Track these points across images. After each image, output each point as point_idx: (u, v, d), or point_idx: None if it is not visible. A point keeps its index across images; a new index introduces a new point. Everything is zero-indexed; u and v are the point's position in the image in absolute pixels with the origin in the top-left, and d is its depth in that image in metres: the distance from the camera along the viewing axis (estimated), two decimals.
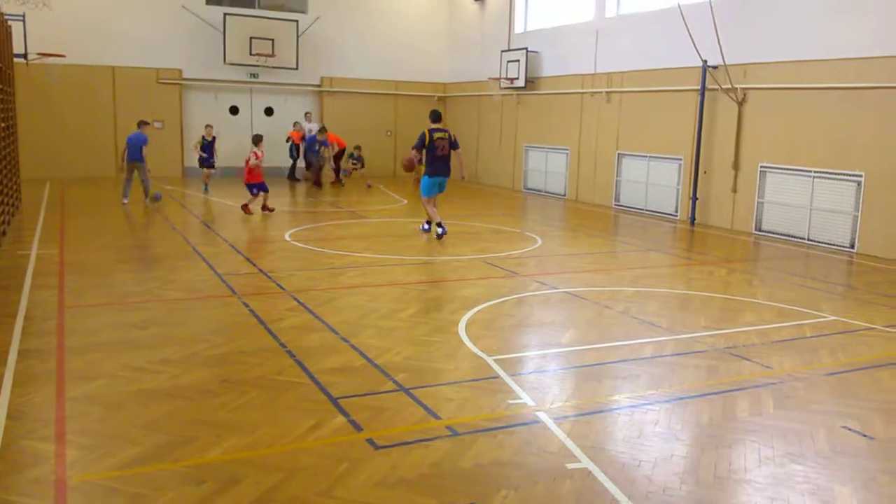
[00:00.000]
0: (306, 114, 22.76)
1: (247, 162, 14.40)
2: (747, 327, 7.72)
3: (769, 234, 14.28)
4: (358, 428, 4.91)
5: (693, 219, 15.82)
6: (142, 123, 16.30)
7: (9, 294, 8.17)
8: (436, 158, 12.57)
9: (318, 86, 24.08)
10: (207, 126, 19.16)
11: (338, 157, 21.78)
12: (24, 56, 16.91)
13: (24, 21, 16.31)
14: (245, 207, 14.53)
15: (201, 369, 5.99)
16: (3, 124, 12.23)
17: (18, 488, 4.02)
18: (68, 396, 5.33)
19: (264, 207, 14.84)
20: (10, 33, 14.70)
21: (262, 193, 14.65)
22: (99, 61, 20.95)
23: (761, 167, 14.49)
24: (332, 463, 4.39)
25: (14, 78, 15.17)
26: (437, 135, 12.54)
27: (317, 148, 20.94)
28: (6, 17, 14.18)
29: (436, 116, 13.02)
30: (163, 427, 4.85)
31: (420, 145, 12.51)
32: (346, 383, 5.74)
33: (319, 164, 21.06)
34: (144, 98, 21.51)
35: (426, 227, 13.14)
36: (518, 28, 22.15)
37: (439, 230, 12.55)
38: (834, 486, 4.33)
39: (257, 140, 14.81)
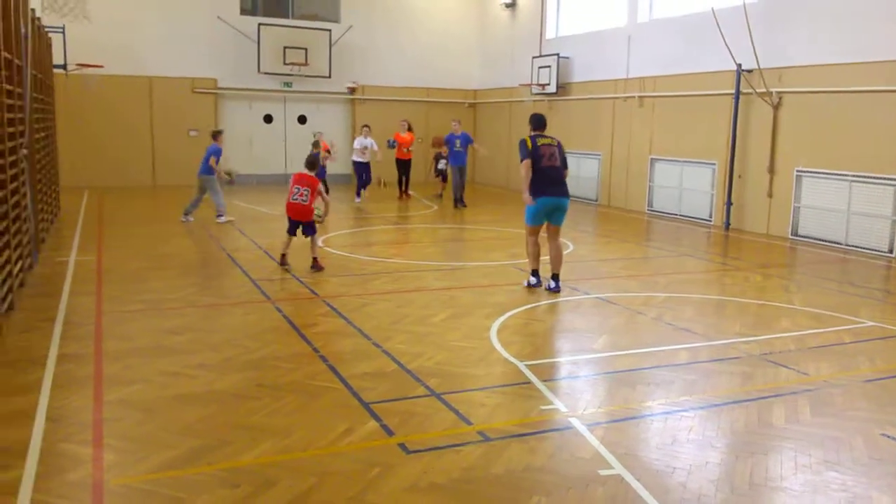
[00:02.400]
0: (363, 127, 19.94)
1: (315, 190, 10.35)
2: (783, 333, 7.61)
3: (806, 239, 14.07)
4: (390, 433, 4.93)
5: (728, 224, 15.65)
6: (215, 134, 14.96)
7: (48, 300, 8.34)
8: (542, 170, 8.98)
9: (351, 93, 24.25)
10: (317, 135, 17.14)
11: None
12: (64, 67, 17.29)
13: (63, 33, 16.67)
14: (317, 262, 10.40)
15: (236, 374, 6.06)
16: (42, 134, 12.48)
17: (57, 491, 4.10)
18: (106, 400, 5.42)
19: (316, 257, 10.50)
20: (51, 45, 15.02)
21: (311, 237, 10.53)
22: (136, 72, 21.30)
23: (797, 172, 14.28)
24: (364, 467, 4.41)
25: (54, 88, 15.49)
26: (542, 140, 9.14)
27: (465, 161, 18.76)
28: (47, 29, 14.49)
29: (538, 122, 9.43)
30: (198, 431, 4.91)
31: (526, 155, 9.03)
32: (379, 388, 5.77)
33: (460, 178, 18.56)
34: (181, 107, 21.84)
35: (532, 281, 9.43)
36: (549, 34, 22.11)
37: (532, 280, 9.40)
38: (872, 493, 4.25)
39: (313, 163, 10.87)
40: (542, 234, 9.44)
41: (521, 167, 9.10)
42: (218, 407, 5.36)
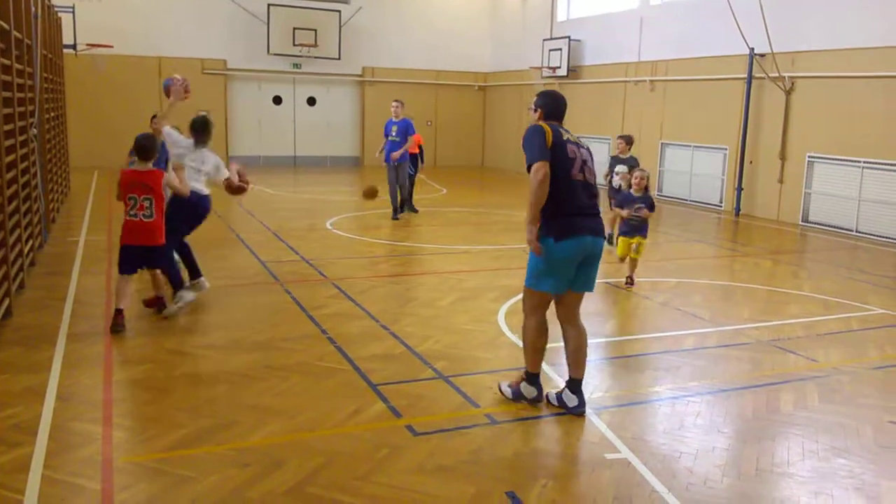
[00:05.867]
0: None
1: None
2: (792, 320, 7.59)
3: (816, 226, 14.01)
4: (397, 414, 4.94)
5: (738, 210, 15.58)
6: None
7: (59, 279, 8.37)
8: (571, 188, 4.95)
9: (360, 75, 24.18)
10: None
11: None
12: (74, 47, 17.28)
13: (73, 13, 16.66)
14: (160, 299, 7.17)
15: (245, 354, 6.08)
16: (52, 114, 12.49)
17: (67, 468, 4.13)
18: (115, 380, 5.46)
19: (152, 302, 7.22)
20: (60, 25, 15.00)
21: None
22: (145, 52, 21.29)
23: (809, 157, 14.20)
24: (371, 448, 4.43)
25: (64, 68, 15.49)
26: (566, 134, 5.05)
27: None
28: (56, 8, 14.46)
29: (554, 106, 5.16)
30: (207, 410, 4.94)
31: (542, 153, 4.82)
32: (386, 370, 5.78)
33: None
34: (190, 88, 21.77)
35: (529, 393, 5.16)
36: (561, 16, 21.98)
37: (528, 391, 5.15)
38: (880, 481, 4.24)
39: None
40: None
41: (532, 173, 4.82)
42: (226, 387, 5.38)
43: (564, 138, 4.98)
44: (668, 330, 7.15)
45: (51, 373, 5.51)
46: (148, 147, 6.73)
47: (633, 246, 8.68)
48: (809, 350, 6.60)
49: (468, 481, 4.08)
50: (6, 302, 6.67)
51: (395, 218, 13.32)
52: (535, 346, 5.14)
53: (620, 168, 10.54)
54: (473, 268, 9.62)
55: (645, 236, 8.83)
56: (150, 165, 6.75)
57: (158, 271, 7.05)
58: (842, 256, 11.39)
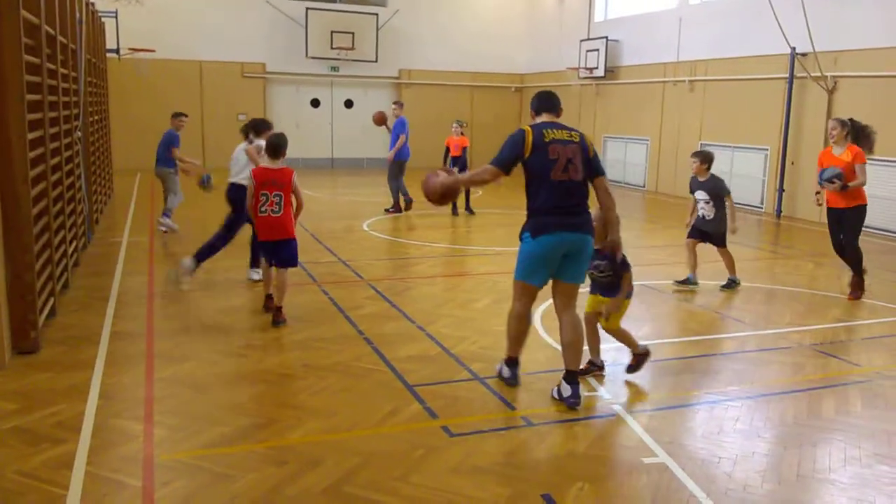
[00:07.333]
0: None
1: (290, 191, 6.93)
2: (835, 323, 7.45)
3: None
4: (433, 415, 4.96)
5: (779, 211, 15.34)
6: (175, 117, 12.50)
7: (102, 279, 8.53)
8: (551, 187, 5.13)
9: (397, 78, 24.28)
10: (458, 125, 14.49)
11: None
12: (117, 51, 17.60)
13: (116, 17, 16.97)
14: (281, 311, 7.00)
15: (283, 354, 6.15)
16: (96, 117, 12.74)
17: (109, 465, 4.21)
18: (157, 378, 5.55)
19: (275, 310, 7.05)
20: (104, 29, 15.30)
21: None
22: (187, 56, 21.61)
23: None
24: (408, 448, 4.44)
25: (107, 72, 15.78)
26: (553, 133, 5.14)
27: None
28: (100, 13, 14.75)
29: (546, 103, 5.38)
30: (246, 409, 5.00)
31: (498, 161, 5.17)
32: (422, 371, 5.80)
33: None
34: (230, 91, 22.12)
35: (504, 373, 5.57)
36: (598, 16, 21.86)
37: (504, 371, 5.55)
38: None
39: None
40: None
41: (486, 170, 5.18)
42: (265, 386, 5.45)
43: (548, 139, 5.12)
44: (706, 333, 7.08)
45: (94, 371, 5.62)
46: (279, 145, 6.96)
47: (603, 310, 5.74)
48: (852, 354, 6.48)
49: (504, 483, 4.08)
50: (51, 301, 6.81)
51: (387, 210, 14.28)
52: (512, 332, 5.50)
53: (699, 195, 8.75)
54: (508, 269, 9.57)
55: (615, 296, 5.71)
56: (279, 163, 6.96)
57: (274, 270, 7.09)
58: (886, 260, 11.15)
